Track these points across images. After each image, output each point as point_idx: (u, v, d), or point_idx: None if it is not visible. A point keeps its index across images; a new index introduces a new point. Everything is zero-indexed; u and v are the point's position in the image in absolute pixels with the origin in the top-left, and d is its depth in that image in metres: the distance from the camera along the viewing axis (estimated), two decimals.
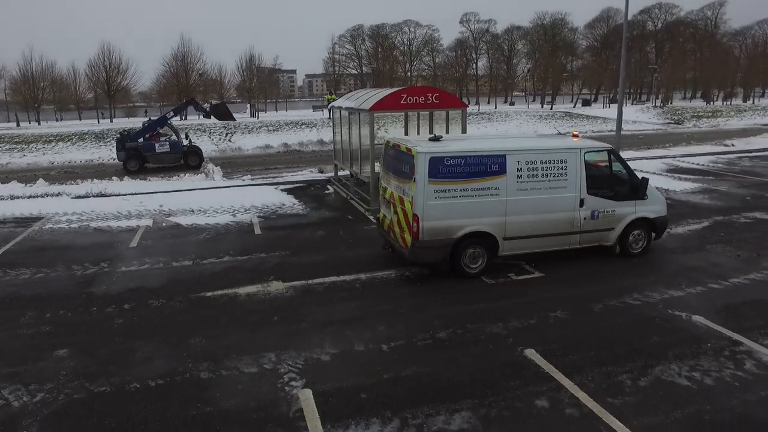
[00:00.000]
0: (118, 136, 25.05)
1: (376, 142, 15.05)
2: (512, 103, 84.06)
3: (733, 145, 28.67)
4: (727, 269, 10.06)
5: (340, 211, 15.36)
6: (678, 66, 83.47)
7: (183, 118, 54.05)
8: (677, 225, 12.93)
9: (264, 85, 77.92)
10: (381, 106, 14.48)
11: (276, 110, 68.51)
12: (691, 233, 11.74)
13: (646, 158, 24.39)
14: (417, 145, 9.41)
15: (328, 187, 18.94)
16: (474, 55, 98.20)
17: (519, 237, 9.85)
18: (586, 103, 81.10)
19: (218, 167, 21.80)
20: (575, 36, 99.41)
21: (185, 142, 25.39)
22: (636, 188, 10.69)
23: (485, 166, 9.44)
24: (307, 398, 6.13)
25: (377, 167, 17.07)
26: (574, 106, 72.90)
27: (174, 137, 24.74)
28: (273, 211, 15.25)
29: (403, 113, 20.18)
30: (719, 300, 8.69)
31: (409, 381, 6.45)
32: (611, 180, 10.73)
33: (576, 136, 11.23)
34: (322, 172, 21.56)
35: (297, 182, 19.73)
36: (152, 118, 29.16)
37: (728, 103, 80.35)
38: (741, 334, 7.46)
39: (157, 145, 24.01)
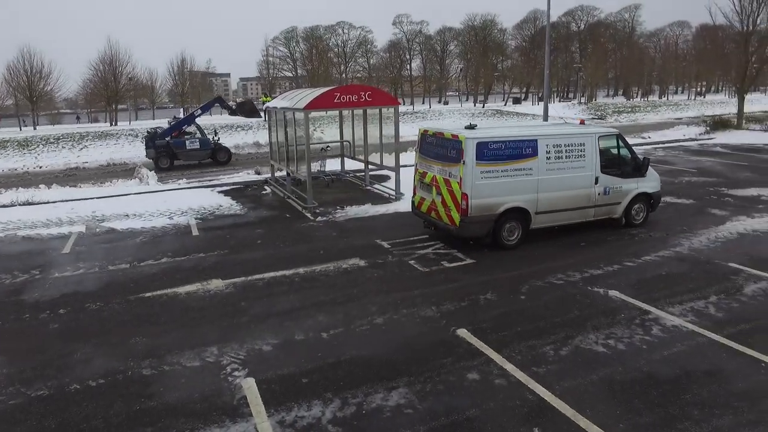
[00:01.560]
0: (146, 134, 25.11)
1: (311, 142, 15.20)
2: (446, 103, 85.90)
3: (649, 137, 30.77)
4: (640, 248, 10.94)
5: (278, 210, 15.46)
6: (600, 65, 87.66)
7: (114, 123, 52.14)
8: None
9: (197, 89, 76.33)
10: (315, 104, 14.70)
11: (210, 114, 67.08)
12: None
13: None
14: (462, 132, 10.50)
15: (266, 187, 18.94)
16: (408, 56, 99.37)
17: (548, 211, 11.14)
18: (517, 101, 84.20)
19: (152, 172, 21.35)
20: (504, 37, 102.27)
21: (213, 140, 25.60)
22: (638, 167, 12.16)
23: (521, 149, 10.70)
24: (250, 386, 6.32)
25: (315, 166, 17.40)
26: (505, 104, 75.47)
27: (199, 134, 25.01)
28: (210, 213, 15.17)
29: (338, 114, 20.57)
30: (633, 275, 9.48)
31: (348, 364, 6.76)
32: (619, 160, 12.13)
33: (582, 122, 12.21)
34: (258, 173, 21.48)
35: (234, 184, 19.63)
36: (177, 117, 29.08)
37: (646, 99, 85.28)
38: (649, 304, 8.22)
39: (187, 142, 24.19)
